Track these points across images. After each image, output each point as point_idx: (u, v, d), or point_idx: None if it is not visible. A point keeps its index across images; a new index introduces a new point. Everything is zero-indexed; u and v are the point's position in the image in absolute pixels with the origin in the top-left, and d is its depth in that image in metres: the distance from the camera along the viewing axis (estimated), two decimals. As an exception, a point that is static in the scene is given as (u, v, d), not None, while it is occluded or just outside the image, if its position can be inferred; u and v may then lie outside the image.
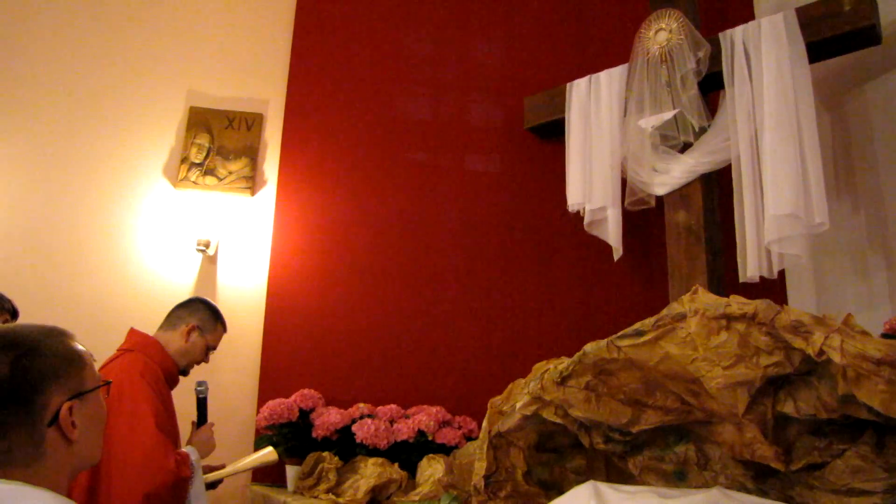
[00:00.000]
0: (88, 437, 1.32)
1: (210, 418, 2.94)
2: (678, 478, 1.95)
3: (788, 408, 1.63)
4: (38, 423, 1.23)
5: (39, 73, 4.32)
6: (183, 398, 2.88)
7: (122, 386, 2.45)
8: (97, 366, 1.44)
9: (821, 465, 1.60)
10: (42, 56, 4.34)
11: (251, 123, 4.35)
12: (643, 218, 3.51)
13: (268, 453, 2.97)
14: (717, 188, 3.21)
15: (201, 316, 2.90)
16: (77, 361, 1.32)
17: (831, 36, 2.86)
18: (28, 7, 4.40)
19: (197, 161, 4.24)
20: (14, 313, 3.05)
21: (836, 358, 1.40)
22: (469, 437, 3.40)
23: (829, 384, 1.51)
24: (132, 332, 2.81)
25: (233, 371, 3.93)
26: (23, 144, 4.22)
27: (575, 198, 3.47)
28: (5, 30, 4.34)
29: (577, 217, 3.50)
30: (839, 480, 1.54)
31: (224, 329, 3.00)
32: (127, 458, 2.35)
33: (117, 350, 2.74)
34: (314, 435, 3.40)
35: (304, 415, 3.50)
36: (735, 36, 3.08)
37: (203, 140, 4.28)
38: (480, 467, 2.15)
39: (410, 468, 3.26)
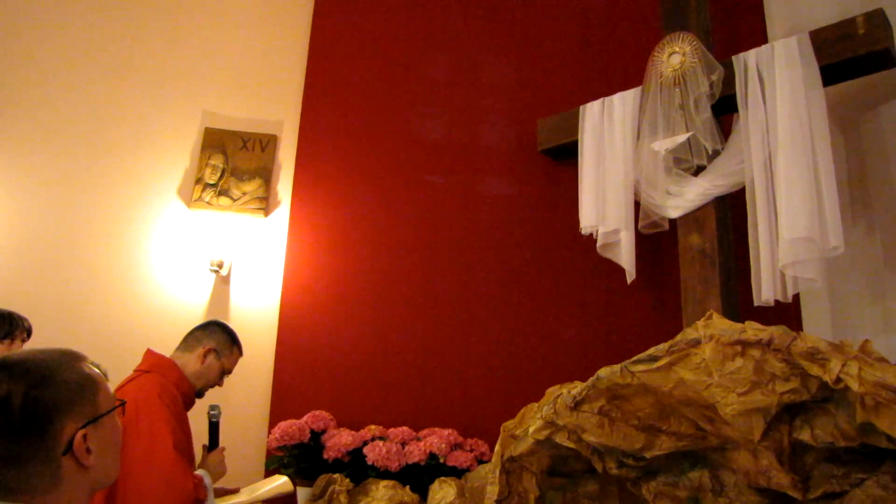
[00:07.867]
0: (104, 460, 1.31)
1: (221, 438, 2.94)
2: (693, 505, 1.93)
3: (805, 435, 1.61)
4: (53, 453, 1.21)
5: (54, 93, 4.39)
6: (196, 421, 2.88)
7: (140, 407, 2.45)
8: (113, 386, 1.42)
9: (839, 495, 1.58)
10: (58, 77, 4.41)
11: (265, 144, 4.39)
12: (656, 241, 3.50)
13: (283, 483, 2.95)
14: (730, 211, 3.19)
15: (218, 339, 2.90)
16: (90, 387, 1.30)
17: (845, 59, 2.85)
18: (44, 30, 4.47)
19: (211, 182, 4.27)
20: (29, 332, 3.07)
21: (854, 386, 1.38)
22: (481, 461, 3.38)
23: (848, 412, 1.49)
24: (149, 354, 2.81)
25: (245, 391, 3.93)
26: (38, 164, 4.27)
27: (588, 220, 3.46)
28: (22, 52, 4.41)
29: (591, 239, 3.49)
30: (858, 510, 1.52)
31: (240, 353, 3.00)
32: (145, 480, 2.34)
33: (134, 371, 2.74)
34: (325, 456, 3.40)
35: (316, 436, 3.50)
36: (748, 59, 3.08)
37: (217, 161, 4.32)
38: (493, 491, 2.14)
39: (422, 491, 3.24)
